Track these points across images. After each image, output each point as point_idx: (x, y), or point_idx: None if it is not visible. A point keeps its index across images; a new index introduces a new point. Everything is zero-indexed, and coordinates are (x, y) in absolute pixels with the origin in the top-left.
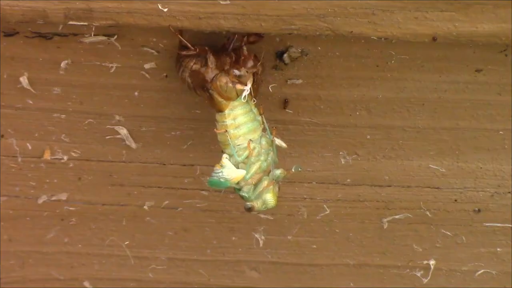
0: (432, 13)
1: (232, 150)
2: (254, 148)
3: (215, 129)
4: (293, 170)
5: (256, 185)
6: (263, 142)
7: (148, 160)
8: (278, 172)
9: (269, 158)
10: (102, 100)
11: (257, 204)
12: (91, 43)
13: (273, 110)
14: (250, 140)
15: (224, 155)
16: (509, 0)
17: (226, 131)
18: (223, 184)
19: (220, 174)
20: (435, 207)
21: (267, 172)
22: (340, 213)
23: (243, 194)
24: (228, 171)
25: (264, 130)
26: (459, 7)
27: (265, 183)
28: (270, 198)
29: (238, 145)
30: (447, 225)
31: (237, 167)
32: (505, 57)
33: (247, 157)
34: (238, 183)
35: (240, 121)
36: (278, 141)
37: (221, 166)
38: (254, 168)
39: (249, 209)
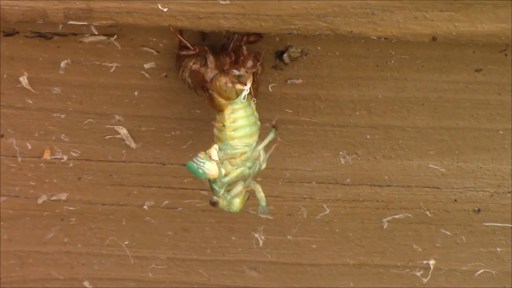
0: (432, 13)
1: (225, 147)
2: (245, 152)
3: (213, 125)
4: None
5: (230, 185)
6: (256, 151)
7: (148, 160)
8: (255, 184)
9: (254, 168)
10: (102, 100)
11: (222, 202)
12: (91, 43)
13: (273, 110)
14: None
15: (215, 146)
16: (509, 0)
17: (224, 125)
18: (199, 174)
19: (202, 164)
20: (435, 207)
21: (246, 178)
22: (340, 213)
23: (215, 187)
24: (211, 166)
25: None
26: (459, 7)
27: (239, 187)
28: (237, 203)
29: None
30: (447, 225)
31: (222, 163)
32: (505, 57)
33: (234, 159)
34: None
35: (239, 124)
36: (260, 196)
37: (206, 154)
38: (236, 172)
39: (214, 204)
